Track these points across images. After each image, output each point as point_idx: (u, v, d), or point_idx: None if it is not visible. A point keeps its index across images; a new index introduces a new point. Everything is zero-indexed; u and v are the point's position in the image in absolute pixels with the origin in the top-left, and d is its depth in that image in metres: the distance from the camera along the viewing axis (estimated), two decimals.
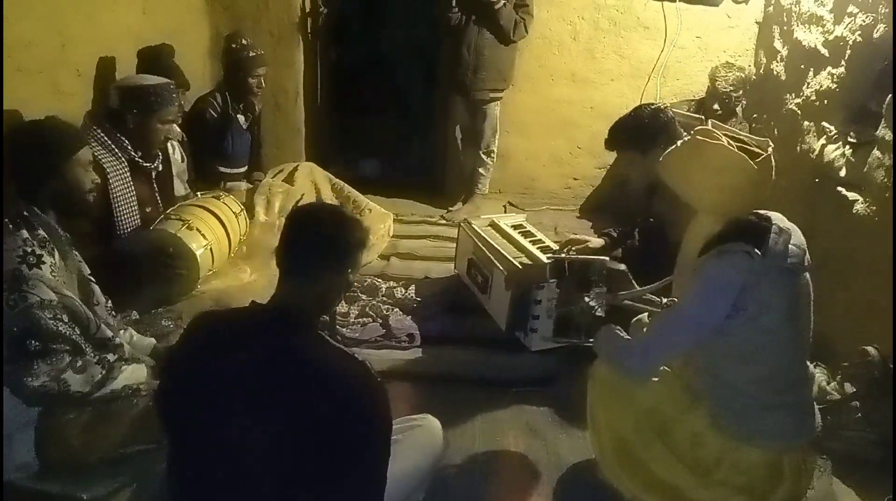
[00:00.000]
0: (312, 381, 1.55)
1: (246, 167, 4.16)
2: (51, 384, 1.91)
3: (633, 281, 2.44)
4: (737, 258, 1.86)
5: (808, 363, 2.16)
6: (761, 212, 1.97)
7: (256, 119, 4.19)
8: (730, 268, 1.86)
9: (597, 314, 2.28)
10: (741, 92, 4.22)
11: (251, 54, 3.89)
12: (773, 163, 1.98)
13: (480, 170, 4.79)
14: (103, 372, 2.03)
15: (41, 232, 2.00)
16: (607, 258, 2.48)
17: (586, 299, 2.29)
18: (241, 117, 4.00)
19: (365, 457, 1.61)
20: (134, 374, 2.13)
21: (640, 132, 2.68)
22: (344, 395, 1.55)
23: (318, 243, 1.65)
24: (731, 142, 1.96)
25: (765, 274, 1.84)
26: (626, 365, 2.02)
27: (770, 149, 1.97)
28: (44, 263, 1.94)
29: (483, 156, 4.75)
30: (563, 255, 2.86)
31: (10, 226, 1.94)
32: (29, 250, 1.92)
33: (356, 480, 1.61)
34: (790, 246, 1.89)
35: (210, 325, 1.68)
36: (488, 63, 4.38)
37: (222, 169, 3.97)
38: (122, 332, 2.31)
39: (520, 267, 3.08)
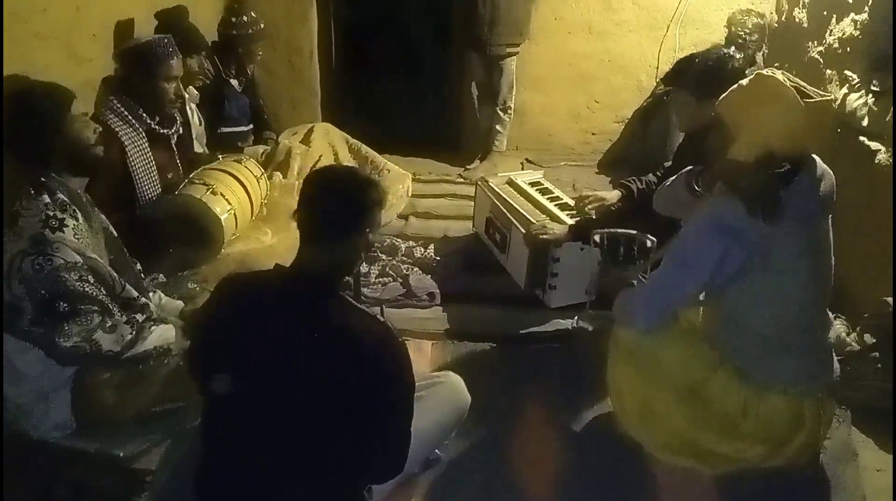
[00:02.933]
0: (336, 342, 1.59)
1: (251, 126, 4.16)
2: (82, 344, 1.97)
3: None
4: (721, 206, 1.91)
5: (828, 311, 2.17)
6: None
7: (251, 81, 4.18)
8: (721, 212, 1.91)
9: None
10: (757, 37, 4.11)
11: (250, 31, 3.88)
12: (831, 111, 1.96)
13: (497, 127, 4.76)
14: (133, 333, 2.08)
15: (61, 195, 2.01)
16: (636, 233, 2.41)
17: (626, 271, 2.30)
18: (234, 82, 4.00)
19: (389, 414, 1.65)
20: (164, 335, 2.18)
21: (699, 76, 2.48)
22: (367, 355, 1.58)
23: (336, 206, 1.67)
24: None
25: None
26: (632, 315, 2.07)
27: (830, 96, 1.95)
28: (66, 226, 1.95)
29: (500, 112, 4.71)
30: (598, 228, 2.73)
31: (32, 192, 1.95)
32: (51, 213, 1.94)
33: (381, 436, 1.66)
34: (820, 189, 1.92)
35: (237, 288, 1.73)
36: (504, 17, 4.31)
37: (223, 129, 3.96)
38: (150, 294, 2.36)
39: (538, 226, 3.08)
